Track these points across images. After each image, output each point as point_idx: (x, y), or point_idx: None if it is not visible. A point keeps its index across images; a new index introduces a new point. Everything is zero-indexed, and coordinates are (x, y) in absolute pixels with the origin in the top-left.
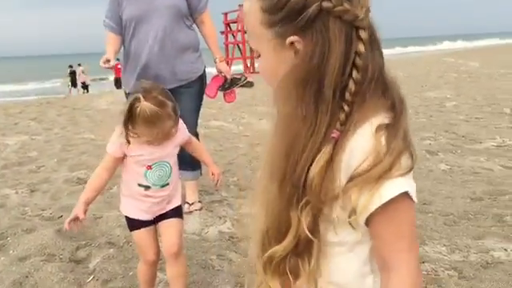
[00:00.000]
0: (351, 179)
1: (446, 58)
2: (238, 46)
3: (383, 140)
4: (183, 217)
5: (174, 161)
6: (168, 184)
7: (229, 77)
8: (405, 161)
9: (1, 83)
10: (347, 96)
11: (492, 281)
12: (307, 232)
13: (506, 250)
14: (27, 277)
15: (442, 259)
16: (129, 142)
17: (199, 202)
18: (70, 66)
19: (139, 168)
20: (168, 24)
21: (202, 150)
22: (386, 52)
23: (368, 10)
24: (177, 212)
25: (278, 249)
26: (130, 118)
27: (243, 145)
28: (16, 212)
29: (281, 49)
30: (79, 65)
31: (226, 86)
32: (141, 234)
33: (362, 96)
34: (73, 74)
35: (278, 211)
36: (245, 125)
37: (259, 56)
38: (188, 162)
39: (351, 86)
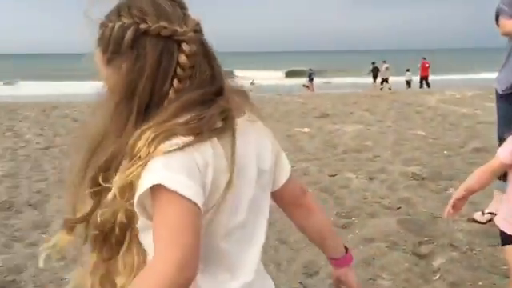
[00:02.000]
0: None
1: None
2: None
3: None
4: None
5: None
6: None
7: None
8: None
9: None
10: (165, 103)
11: None
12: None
13: None
14: (374, 258)
15: None
16: None
17: None
18: (373, 63)
19: None
20: None
21: None
22: None
23: (194, 28)
24: None
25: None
26: None
27: None
28: (358, 196)
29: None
30: (384, 61)
31: None
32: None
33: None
34: (375, 70)
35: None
36: None
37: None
38: None
39: (171, 94)
